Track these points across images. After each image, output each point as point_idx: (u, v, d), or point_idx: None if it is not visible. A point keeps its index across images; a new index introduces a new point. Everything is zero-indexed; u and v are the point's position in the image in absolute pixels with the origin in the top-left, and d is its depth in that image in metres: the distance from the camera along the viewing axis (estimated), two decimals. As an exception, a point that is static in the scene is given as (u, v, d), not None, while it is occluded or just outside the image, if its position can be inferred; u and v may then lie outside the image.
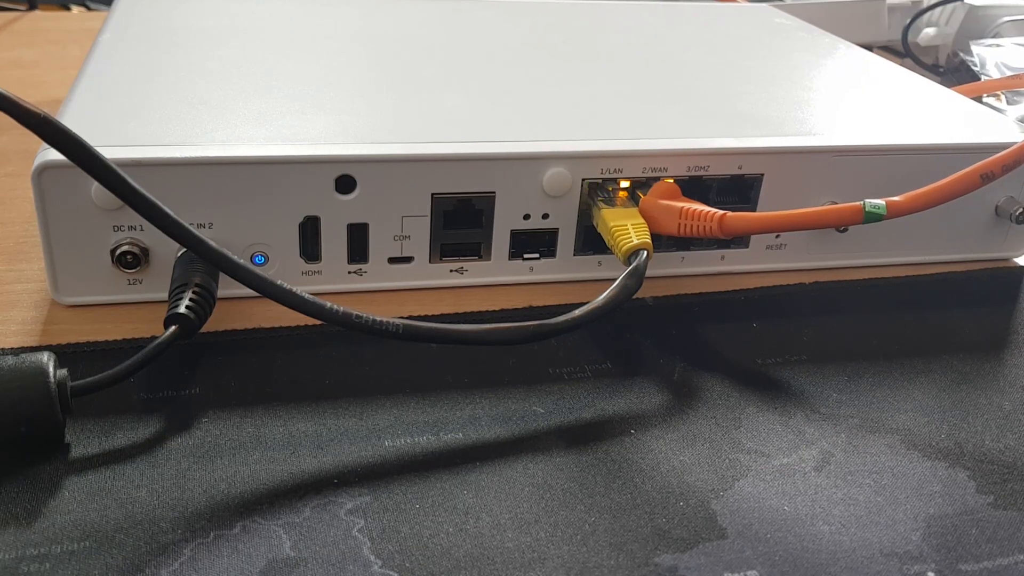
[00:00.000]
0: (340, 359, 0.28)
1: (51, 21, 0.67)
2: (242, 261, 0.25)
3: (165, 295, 0.28)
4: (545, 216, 0.32)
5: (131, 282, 0.30)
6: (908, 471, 0.25)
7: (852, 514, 0.23)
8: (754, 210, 0.33)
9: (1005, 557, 0.22)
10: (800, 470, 0.25)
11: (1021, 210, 0.35)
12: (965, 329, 0.32)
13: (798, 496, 0.24)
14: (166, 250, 0.29)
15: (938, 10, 0.63)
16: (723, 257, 0.34)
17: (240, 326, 0.29)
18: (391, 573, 0.21)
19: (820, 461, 0.25)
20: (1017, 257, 0.37)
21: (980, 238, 0.36)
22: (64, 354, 0.28)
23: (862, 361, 0.30)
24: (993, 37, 0.59)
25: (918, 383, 0.29)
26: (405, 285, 0.32)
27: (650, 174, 0.32)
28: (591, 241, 0.33)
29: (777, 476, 0.24)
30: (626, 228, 0.30)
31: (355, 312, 0.25)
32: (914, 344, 0.31)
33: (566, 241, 0.33)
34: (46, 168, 0.28)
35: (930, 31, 0.62)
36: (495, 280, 0.33)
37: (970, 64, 0.55)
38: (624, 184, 0.32)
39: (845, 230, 0.35)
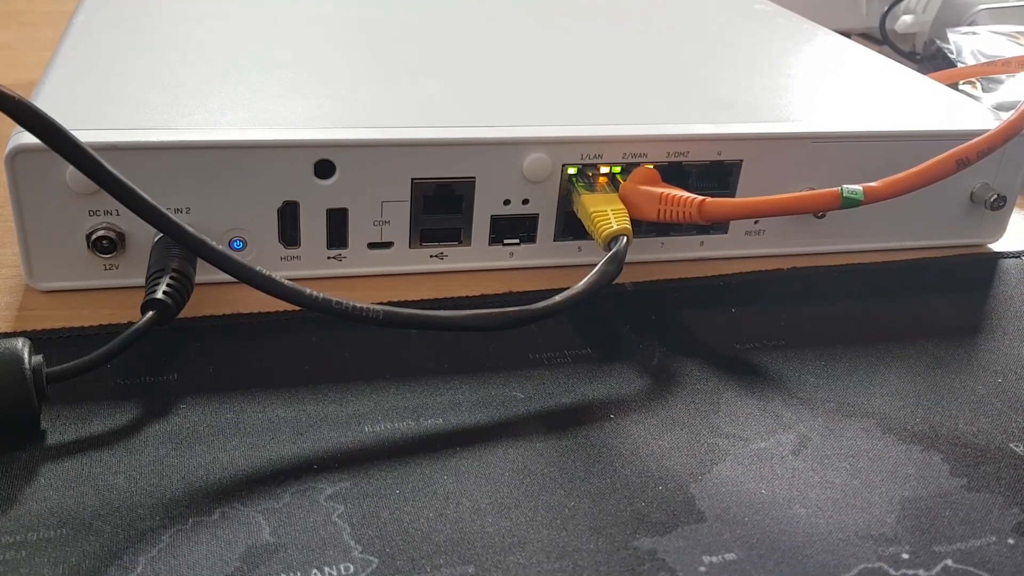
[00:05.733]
0: (319, 345, 0.28)
1: (24, 3, 0.66)
2: (220, 246, 0.25)
3: (142, 280, 0.28)
4: (525, 202, 0.32)
5: (107, 267, 0.30)
6: (883, 454, 0.25)
7: (828, 497, 0.23)
8: (733, 196, 0.33)
9: (977, 538, 0.22)
10: (777, 454, 0.25)
11: (995, 197, 0.35)
12: (940, 314, 0.32)
13: (775, 480, 0.24)
14: (143, 235, 0.29)
15: (916, -3, 0.63)
16: (702, 243, 0.34)
17: (218, 312, 0.29)
18: (371, 558, 0.21)
19: (797, 445, 0.25)
20: (991, 243, 0.37)
21: (955, 225, 0.36)
22: (39, 340, 0.27)
23: (839, 346, 0.30)
24: (969, 25, 0.59)
25: (894, 367, 0.29)
26: (385, 271, 0.32)
27: (630, 160, 0.32)
28: (571, 227, 0.33)
29: (755, 460, 0.24)
30: (606, 214, 0.30)
31: (335, 298, 0.25)
32: (890, 329, 0.31)
33: (546, 227, 0.33)
34: (20, 152, 0.27)
35: (907, 18, 0.62)
36: (475, 266, 0.33)
37: (946, 51, 0.56)
38: (604, 170, 0.32)
39: (823, 216, 0.35)
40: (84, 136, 0.24)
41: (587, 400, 0.27)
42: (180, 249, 0.27)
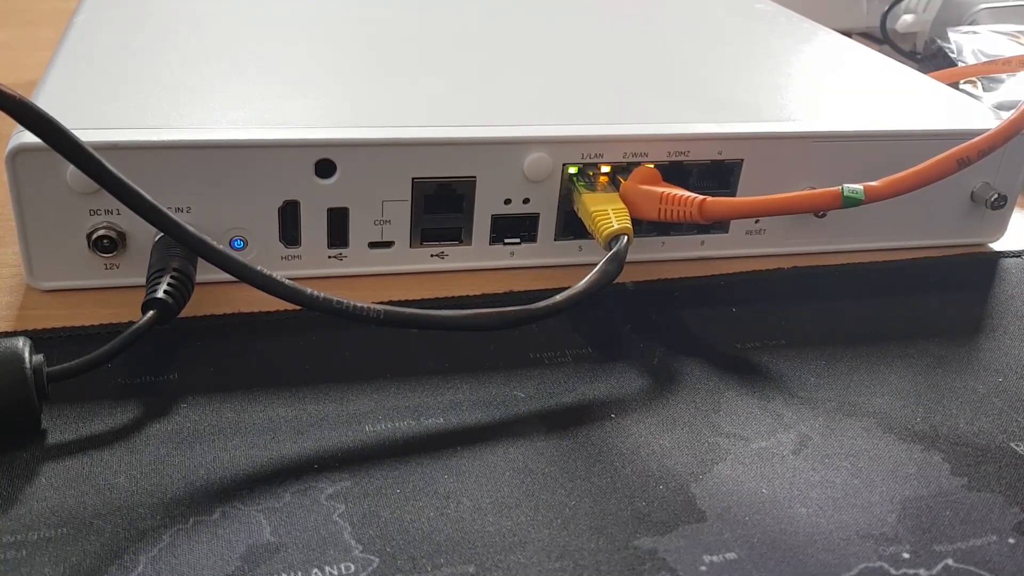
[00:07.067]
0: (320, 344, 0.28)
1: (25, 2, 0.66)
2: (221, 246, 0.25)
3: (142, 280, 0.28)
4: (526, 201, 0.32)
5: (108, 267, 0.30)
6: (884, 454, 0.25)
7: (829, 496, 0.23)
8: (734, 195, 0.33)
9: (978, 538, 0.22)
10: (778, 453, 0.25)
11: (996, 196, 0.35)
12: (941, 314, 0.32)
13: (776, 479, 0.24)
14: (143, 234, 0.29)
15: (916, -3, 0.63)
16: (703, 242, 0.34)
17: (219, 311, 0.29)
18: (372, 558, 0.21)
19: (798, 444, 0.25)
20: (992, 243, 0.37)
21: (956, 224, 0.36)
22: (40, 339, 0.27)
23: (839, 345, 0.30)
24: (970, 24, 0.59)
25: (894, 367, 0.29)
26: (386, 270, 0.32)
27: (631, 159, 0.32)
28: (572, 226, 0.33)
29: (755, 459, 0.24)
30: (607, 213, 0.30)
31: (335, 298, 0.25)
32: (890, 328, 0.31)
33: (547, 226, 0.33)
34: (20, 151, 0.27)
35: (908, 18, 0.62)
36: (476, 265, 0.33)
37: (947, 51, 0.56)
38: (605, 169, 0.32)
39: (823, 215, 0.35)
40: (84, 135, 0.24)
41: (588, 399, 0.27)
42: (181, 248, 0.27)
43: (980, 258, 0.36)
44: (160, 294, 0.26)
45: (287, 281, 0.24)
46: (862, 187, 0.29)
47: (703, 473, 0.24)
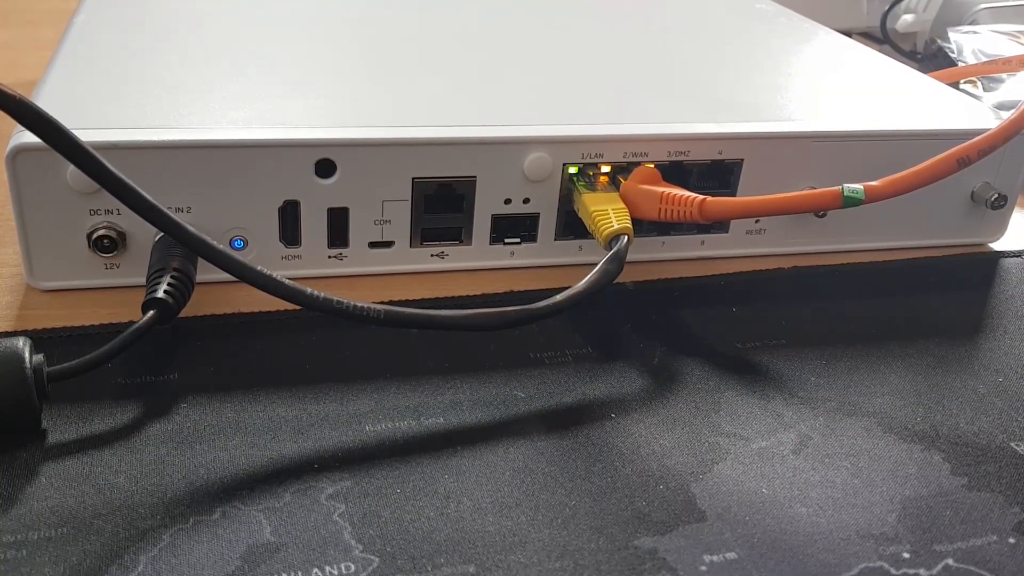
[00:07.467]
0: (320, 344, 0.28)
1: (25, 2, 0.66)
2: (221, 246, 0.25)
3: (143, 280, 0.28)
4: (526, 201, 0.32)
5: (108, 267, 0.30)
6: (884, 454, 0.25)
7: (829, 496, 0.23)
8: (734, 195, 0.33)
9: (978, 538, 0.22)
10: (778, 453, 0.25)
11: (996, 196, 0.35)
12: (941, 314, 0.32)
13: (776, 479, 0.24)
14: (144, 234, 0.29)
15: (916, -3, 0.63)
16: (703, 242, 0.34)
17: (219, 311, 0.29)
18: (372, 558, 0.21)
19: (798, 444, 0.25)
20: (992, 243, 0.37)
21: (956, 224, 0.36)
22: (40, 339, 0.27)
23: (840, 345, 0.30)
24: (970, 24, 0.59)
25: (894, 367, 0.29)
26: (386, 270, 0.32)
27: (631, 159, 0.32)
28: (572, 226, 0.33)
29: (756, 459, 0.24)
30: (607, 213, 0.30)
31: (336, 297, 0.25)
32: (891, 328, 0.31)
33: (547, 226, 0.33)
34: (21, 151, 0.27)
35: (908, 18, 0.62)
36: (476, 265, 0.33)
37: (947, 51, 0.56)
38: (605, 169, 0.32)
39: (824, 215, 0.35)
40: (85, 136, 0.24)
41: (588, 399, 0.27)
42: (181, 248, 0.27)
43: (980, 258, 0.36)
44: (160, 294, 0.26)
45: (287, 281, 0.25)
46: (862, 187, 0.29)
47: (703, 473, 0.24)
